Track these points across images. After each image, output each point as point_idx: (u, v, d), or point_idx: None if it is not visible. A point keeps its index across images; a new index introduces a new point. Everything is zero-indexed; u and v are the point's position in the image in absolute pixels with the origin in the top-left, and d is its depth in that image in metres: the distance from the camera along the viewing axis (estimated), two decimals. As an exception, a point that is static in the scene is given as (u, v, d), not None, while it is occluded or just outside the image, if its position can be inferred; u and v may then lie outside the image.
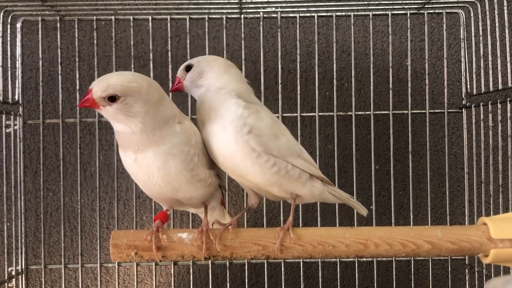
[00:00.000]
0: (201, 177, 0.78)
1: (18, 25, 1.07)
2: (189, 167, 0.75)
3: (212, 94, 0.78)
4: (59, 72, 1.07)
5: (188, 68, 0.81)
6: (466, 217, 1.08)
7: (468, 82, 1.08)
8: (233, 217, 0.84)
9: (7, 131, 1.04)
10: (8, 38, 1.04)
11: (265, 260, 1.06)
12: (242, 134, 0.74)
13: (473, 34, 1.06)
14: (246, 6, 1.04)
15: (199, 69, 0.81)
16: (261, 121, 0.76)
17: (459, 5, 1.06)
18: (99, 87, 0.70)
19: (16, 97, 1.06)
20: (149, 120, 0.72)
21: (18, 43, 1.07)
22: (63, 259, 1.07)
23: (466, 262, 1.08)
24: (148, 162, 0.74)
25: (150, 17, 1.06)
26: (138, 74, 0.74)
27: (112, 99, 0.70)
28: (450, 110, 1.10)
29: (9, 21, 1.04)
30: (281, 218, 1.08)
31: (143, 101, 0.71)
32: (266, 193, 0.82)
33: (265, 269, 1.07)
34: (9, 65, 1.04)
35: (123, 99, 0.70)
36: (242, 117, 0.75)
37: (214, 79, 0.79)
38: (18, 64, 1.07)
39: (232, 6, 1.04)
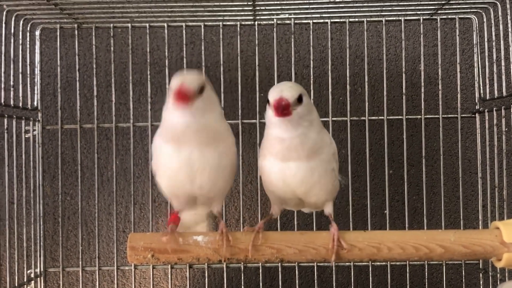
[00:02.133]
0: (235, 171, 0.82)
1: (37, 32, 1.09)
2: (234, 163, 0.80)
3: (302, 129, 0.76)
4: (77, 78, 1.09)
5: (300, 100, 0.74)
6: (480, 222, 1.08)
7: (481, 87, 1.08)
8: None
9: (26, 136, 1.06)
10: (27, 46, 1.06)
11: (279, 264, 1.07)
12: (332, 164, 0.80)
13: (486, 39, 1.06)
14: (260, 13, 1.05)
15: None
16: (334, 143, 0.82)
17: (472, 10, 1.07)
18: (193, 81, 0.72)
19: (35, 103, 1.09)
20: (218, 114, 0.78)
21: (37, 50, 1.09)
22: (80, 262, 1.09)
23: (480, 267, 1.08)
24: (203, 159, 0.76)
25: (165, 25, 1.08)
26: None
27: (201, 90, 0.73)
28: (463, 115, 1.10)
29: (28, 29, 1.06)
30: (295, 223, 1.08)
31: (213, 94, 0.78)
32: (297, 203, 0.84)
33: (279, 273, 1.08)
34: (28, 72, 1.06)
35: (207, 90, 0.74)
36: (332, 150, 0.80)
37: (304, 115, 0.76)
38: (37, 71, 1.09)
39: (246, 13, 1.05)
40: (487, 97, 1.07)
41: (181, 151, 0.75)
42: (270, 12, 1.06)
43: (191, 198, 0.81)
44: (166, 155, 0.77)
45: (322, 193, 0.80)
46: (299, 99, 0.73)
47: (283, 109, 0.71)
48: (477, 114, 1.09)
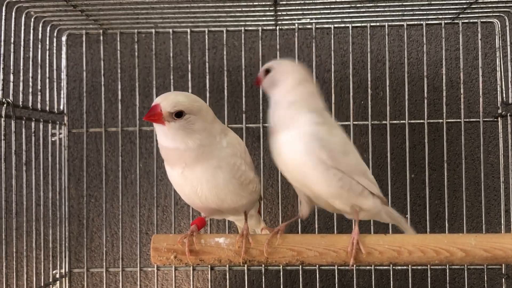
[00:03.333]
0: (248, 182, 0.81)
1: (64, 38, 1.12)
2: (238, 175, 0.79)
3: (283, 107, 0.80)
4: (102, 83, 1.11)
5: (267, 71, 0.82)
6: (503, 226, 1.07)
7: (504, 91, 1.08)
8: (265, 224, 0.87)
9: (52, 139, 1.09)
10: (54, 51, 1.09)
11: (300, 267, 1.08)
12: (314, 147, 0.76)
13: (508, 42, 1.06)
14: (281, 18, 1.06)
15: (274, 78, 0.83)
16: (333, 137, 0.79)
17: (494, 14, 1.06)
18: (168, 103, 0.73)
19: (61, 107, 1.11)
20: (204, 137, 0.76)
21: (63, 56, 1.12)
22: (104, 263, 1.11)
23: (503, 272, 1.08)
24: (197, 176, 0.77)
25: (188, 30, 1.10)
26: (195, 95, 0.79)
27: (179, 115, 0.74)
28: (485, 119, 1.10)
29: (55, 34, 1.09)
30: (316, 226, 1.09)
31: (202, 120, 0.76)
32: (326, 204, 0.84)
33: (300, 276, 1.08)
34: (54, 77, 1.09)
35: (187, 116, 0.74)
36: (315, 133, 0.77)
37: (286, 92, 0.80)
38: (63, 75, 1.12)
39: (268, 18, 1.06)
40: (510, 101, 1.06)
41: (174, 170, 0.78)
42: (291, 17, 1.07)
43: (211, 209, 0.83)
44: (168, 172, 0.80)
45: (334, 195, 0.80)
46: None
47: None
48: (499, 118, 1.09)
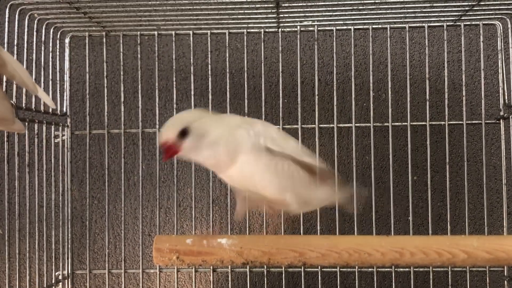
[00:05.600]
0: None
1: (67, 40, 1.12)
2: None
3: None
4: (105, 85, 1.11)
5: (184, 133, 0.74)
6: (505, 229, 1.07)
7: (506, 93, 1.08)
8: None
9: (55, 141, 1.09)
10: (57, 53, 1.09)
11: (302, 269, 1.08)
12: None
13: (510, 45, 1.06)
14: (283, 20, 1.06)
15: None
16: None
17: (496, 16, 1.06)
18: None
19: (64, 109, 1.12)
20: None
21: (67, 58, 1.12)
22: (107, 265, 1.11)
23: (505, 274, 1.07)
24: None
25: (191, 32, 1.10)
26: None
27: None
28: (487, 121, 1.10)
29: (58, 36, 1.09)
30: (318, 228, 1.09)
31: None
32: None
33: (302, 278, 1.08)
34: (58, 79, 1.09)
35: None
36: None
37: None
38: (66, 77, 1.12)
39: (270, 20, 1.06)
40: (512, 103, 1.06)
41: None
42: (293, 19, 1.07)
43: None
44: None
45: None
46: (183, 133, 0.73)
47: (168, 152, 0.73)
48: (501, 120, 1.09)
